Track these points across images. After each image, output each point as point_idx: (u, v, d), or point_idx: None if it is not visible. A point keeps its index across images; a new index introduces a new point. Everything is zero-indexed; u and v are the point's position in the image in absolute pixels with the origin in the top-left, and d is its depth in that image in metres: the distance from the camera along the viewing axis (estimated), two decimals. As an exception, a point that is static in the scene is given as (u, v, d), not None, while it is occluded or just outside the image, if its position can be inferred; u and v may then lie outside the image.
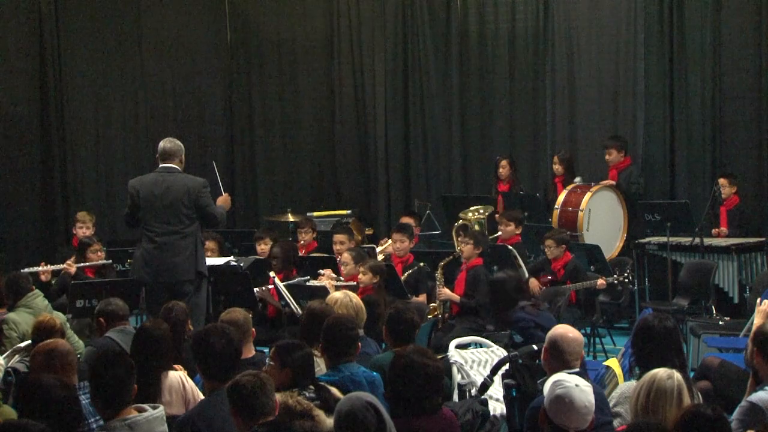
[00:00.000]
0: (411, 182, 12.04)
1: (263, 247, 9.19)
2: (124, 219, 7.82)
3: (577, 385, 4.18)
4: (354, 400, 4.12)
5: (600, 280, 8.64)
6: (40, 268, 8.84)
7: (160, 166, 7.60)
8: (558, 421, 4.14)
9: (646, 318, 5.33)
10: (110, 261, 9.01)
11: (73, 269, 8.71)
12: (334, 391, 4.84)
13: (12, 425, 3.83)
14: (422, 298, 8.69)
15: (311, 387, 4.81)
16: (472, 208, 10.07)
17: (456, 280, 8.77)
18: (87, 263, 8.84)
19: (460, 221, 9.70)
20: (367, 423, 4.02)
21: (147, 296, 7.60)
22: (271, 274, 8.09)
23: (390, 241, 9.34)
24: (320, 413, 4.31)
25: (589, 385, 4.26)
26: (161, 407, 4.35)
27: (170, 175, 7.53)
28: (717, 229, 9.75)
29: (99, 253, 8.95)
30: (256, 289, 8.15)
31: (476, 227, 9.78)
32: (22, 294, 7.26)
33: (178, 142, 7.69)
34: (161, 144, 7.66)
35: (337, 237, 9.20)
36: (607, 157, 10.35)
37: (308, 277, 8.30)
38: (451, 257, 8.93)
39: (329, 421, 4.25)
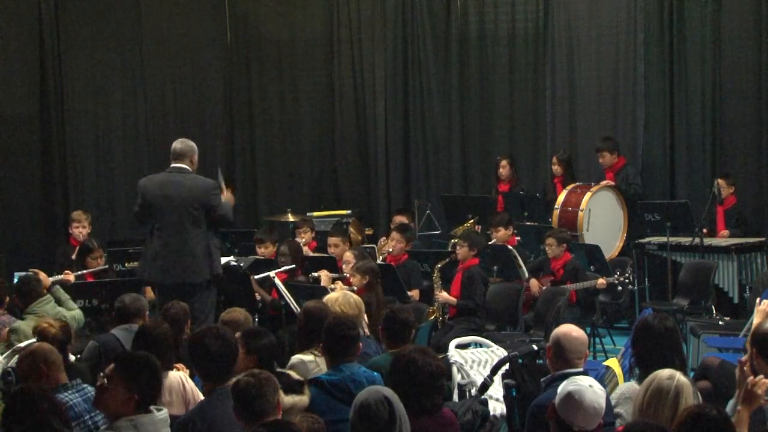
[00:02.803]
0: (411, 182, 12.03)
1: (264, 250, 9.16)
2: (135, 217, 7.74)
3: (590, 386, 4.19)
4: (372, 393, 4.21)
5: (600, 279, 8.64)
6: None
7: (171, 165, 7.52)
8: (565, 417, 4.14)
9: (646, 318, 5.33)
10: (107, 266, 8.97)
11: (71, 277, 8.61)
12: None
13: None
14: (415, 293, 8.70)
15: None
16: (459, 229, 10.05)
17: (452, 281, 8.78)
18: (85, 270, 8.77)
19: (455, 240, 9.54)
20: (379, 416, 4.08)
21: (158, 296, 7.52)
22: (272, 273, 8.08)
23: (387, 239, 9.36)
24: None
25: (604, 390, 4.26)
26: (165, 410, 4.37)
27: (180, 176, 7.44)
28: (705, 230, 9.66)
29: (99, 260, 8.87)
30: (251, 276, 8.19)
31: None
32: (31, 299, 7.15)
33: (191, 143, 7.60)
34: (174, 144, 7.59)
35: (332, 240, 9.19)
36: (600, 160, 10.32)
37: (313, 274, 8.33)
38: (447, 260, 8.93)
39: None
